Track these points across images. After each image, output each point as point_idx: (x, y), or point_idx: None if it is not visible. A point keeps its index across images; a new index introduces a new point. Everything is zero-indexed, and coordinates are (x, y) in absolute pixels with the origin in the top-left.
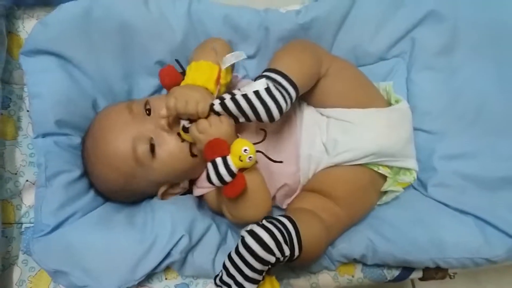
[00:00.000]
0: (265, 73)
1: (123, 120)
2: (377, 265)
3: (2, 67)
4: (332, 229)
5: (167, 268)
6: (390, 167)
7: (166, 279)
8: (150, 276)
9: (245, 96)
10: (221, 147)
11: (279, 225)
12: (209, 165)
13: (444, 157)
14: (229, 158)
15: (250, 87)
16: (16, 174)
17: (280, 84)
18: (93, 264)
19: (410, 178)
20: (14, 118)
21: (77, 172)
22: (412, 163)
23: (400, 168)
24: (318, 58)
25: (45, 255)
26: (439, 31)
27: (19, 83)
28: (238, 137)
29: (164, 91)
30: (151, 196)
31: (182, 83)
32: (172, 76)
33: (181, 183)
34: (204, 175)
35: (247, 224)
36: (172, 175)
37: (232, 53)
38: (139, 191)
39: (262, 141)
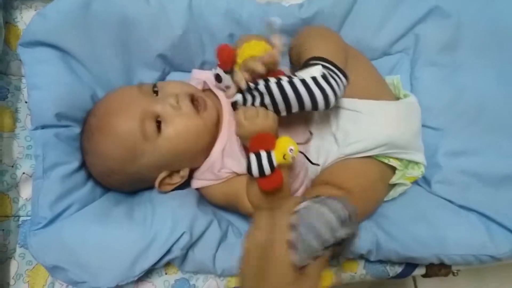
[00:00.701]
0: (315, 61)
1: (132, 96)
2: (380, 262)
3: None
4: None
5: (167, 263)
6: (400, 160)
7: (166, 274)
8: (149, 271)
9: (303, 81)
10: (268, 141)
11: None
12: (252, 156)
13: (448, 153)
14: (273, 153)
15: (306, 73)
16: (13, 166)
17: (333, 71)
18: (91, 260)
19: (418, 172)
20: (12, 110)
21: (75, 164)
22: (420, 157)
23: (409, 162)
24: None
25: (42, 250)
26: (442, 27)
27: (17, 74)
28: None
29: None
30: (150, 186)
31: (240, 59)
32: (230, 54)
33: (181, 170)
34: (204, 167)
35: None
36: (175, 156)
37: (271, 20)
38: (138, 175)
39: (307, 142)
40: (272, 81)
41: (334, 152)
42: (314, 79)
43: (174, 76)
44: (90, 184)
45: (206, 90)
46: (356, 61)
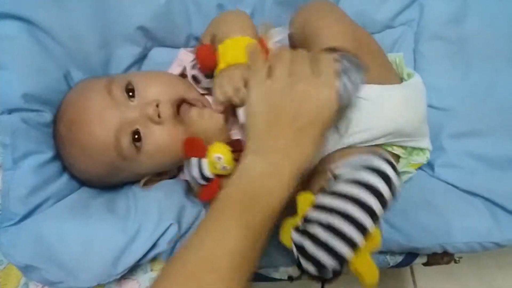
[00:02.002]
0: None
1: (103, 104)
2: (380, 251)
3: None
4: None
5: (153, 258)
6: (404, 148)
7: (152, 270)
8: (134, 267)
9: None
10: (196, 148)
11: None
12: (185, 163)
13: (453, 135)
14: (204, 161)
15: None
16: None
17: (352, 70)
18: (68, 258)
19: (423, 158)
20: None
21: (48, 154)
22: (426, 143)
23: (414, 148)
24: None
25: (14, 248)
26: None
27: None
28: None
29: (146, 64)
30: (132, 183)
31: (222, 63)
32: (211, 56)
33: (169, 172)
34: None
35: None
36: (160, 167)
37: (276, 29)
38: (120, 180)
39: (239, 151)
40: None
41: (334, 141)
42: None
43: (157, 52)
44: (66, 176)
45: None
46: (360, 41)
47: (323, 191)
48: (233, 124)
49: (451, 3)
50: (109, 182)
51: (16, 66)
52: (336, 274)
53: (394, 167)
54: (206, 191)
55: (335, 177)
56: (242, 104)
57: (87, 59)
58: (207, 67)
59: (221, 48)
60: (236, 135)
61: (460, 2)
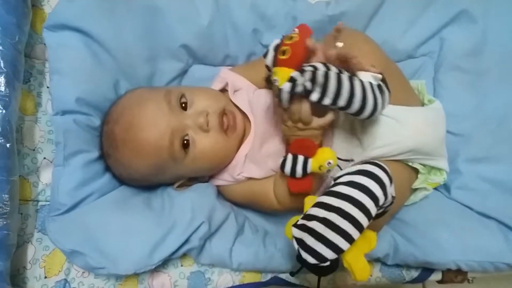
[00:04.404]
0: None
1: (161, 111)
2: (396, 265)
3: (25, 41)
4: None
5: (183, 255)
6: (423, 165)
7: (182, 266)
8: (166, 262)
9: (361, 84)
10: (310, 149)
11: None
12: (289, 157)
13: (468, 160)
14: (310, 161)
15: (364, 76)
16: (34, 150)
17: (384, 85)
18: (110, 246)
19: (440, 178)
20: (33, 94)
21: (95, 153)
22: (444, 163)
23: (432, 168)
24: None
25: (61, 234)
26: (469, 32)
27: (41, 58)
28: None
29: (186, 78)
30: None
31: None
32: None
33: (200, 178)
34: (224, 169)
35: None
36: (200, 172)
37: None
38: (161, 181)
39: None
40: (333, 70)
41: (357, 154)
42: (371, 85)
43: (196, 69)
44: (108, 175)
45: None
46: (387, 66)
47: (323, 193)
48: None
49: (470, 38)
50: (150, 181)
51: (71, 73)
52: (333, 265)
53: (386, 171)
54: (298, 184)
55: (335, 180)
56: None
57: (134, 71)
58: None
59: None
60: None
61: (478, 37)
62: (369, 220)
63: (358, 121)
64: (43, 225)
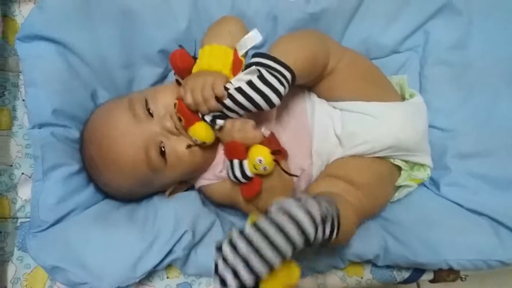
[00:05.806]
0: (255, 60)
1: (129, 125)
2: (387, 267)
3: None
4: (359, 213)
5: (169, 266)
6: (405, 161)
7: (167, 278)
8: (151, 274)
9: (239, 90)
10: (237, 152)
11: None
12: (227, 163)
13: (457, 155)
14: (245, 162)
15: (240, 79)
16: (11, 166)
17: (272, 67)
18: (92, 261)
19: (424, 174)
20: (9, 107)
21: (75, 166)
22: (426, 159)
23: (415, 164)
24: (323, 45)
25: (42, 250)
26: (453, 25)
27: (15, 71)
28: (265, 138)
29: (166, 83)
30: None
31: (195, 68)
32: (184, 60)
33: (192, 179)
34: (209, 170)
35: None
36: (185, 175)
37: (247, 36)
38: (150, 191)
39: (282, 155)
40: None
41: (337, 154)
42: (250, 83)
43: None
44: (91, 187)
45: None
46: (355, 63)
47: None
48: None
49: (455, 31)
50: (142, 193)
51: (47, 84)
52: None
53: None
54: (248, 189)
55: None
56: (208, 112)
57: (112, 79)
58: (180, 70)
59: (200, 53)
60: (265, 130)
61: (463, 30)
62: (293, 251)
63: (337, 120)
64: (23, 242)
